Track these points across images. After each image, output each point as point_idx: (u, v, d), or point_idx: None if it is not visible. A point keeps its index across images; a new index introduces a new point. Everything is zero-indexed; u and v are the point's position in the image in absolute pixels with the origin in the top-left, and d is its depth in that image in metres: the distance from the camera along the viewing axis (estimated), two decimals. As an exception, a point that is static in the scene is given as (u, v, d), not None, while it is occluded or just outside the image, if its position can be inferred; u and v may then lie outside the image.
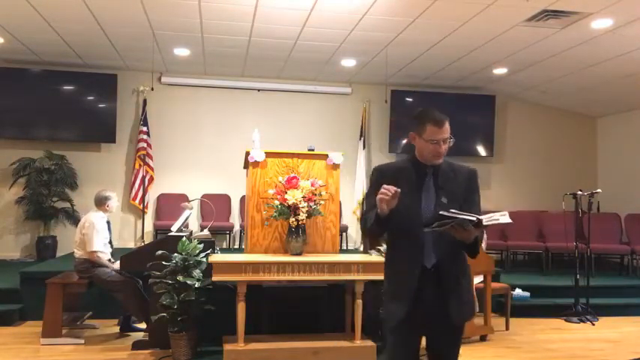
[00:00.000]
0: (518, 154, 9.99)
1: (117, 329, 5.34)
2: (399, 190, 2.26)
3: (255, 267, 4.30)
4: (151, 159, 8.60)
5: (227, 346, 4.34)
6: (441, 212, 2.23)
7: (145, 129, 8.54)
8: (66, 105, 8.42)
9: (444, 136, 2.43)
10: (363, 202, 8.67)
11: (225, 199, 8.76)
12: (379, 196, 2.27)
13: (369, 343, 4.46)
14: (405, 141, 9.45)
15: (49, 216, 8.22)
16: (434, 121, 2.43)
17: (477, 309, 5.56)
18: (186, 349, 4.40)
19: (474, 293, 5.37)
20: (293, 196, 4.51)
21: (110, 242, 5.31)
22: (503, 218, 2.26)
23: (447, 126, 2.44)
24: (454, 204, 2.34)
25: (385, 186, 2.27)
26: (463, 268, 2.48)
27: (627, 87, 8.31)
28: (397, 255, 2.50)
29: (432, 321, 2.42)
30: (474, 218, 2.21)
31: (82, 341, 4.94)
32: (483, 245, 5.79)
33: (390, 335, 2.49)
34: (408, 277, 2.39)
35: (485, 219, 2.24)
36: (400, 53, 7.60)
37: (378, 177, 2.49)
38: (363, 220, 2.51)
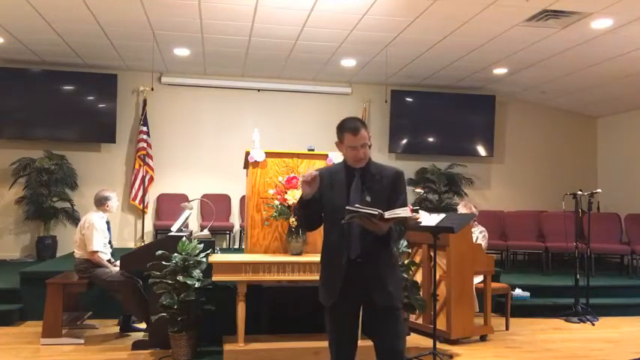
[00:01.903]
0: (518, 154, 10.00)
1: (117, 329, 5.34)
2: (317, 173, 2.70)
3: (255, 267, 4.30)
4: (151, 159, 8.60)
5: (227, 346, 4.34)
6: (347, 207, 2.57)
7: (145, 129, 8.54)
8: (66, 105, 8.42)
9: (360, 142, 2.73)
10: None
11: (225, 199, 8.76)
12: (301, 179, 2.73)
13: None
14: (405, 141, 9.47)
15: (49, 216, 8.22)
16: (350, 129, 2.76)
17: (478, 309, 5.57)
18: (186, 349, 4.40)
19: (477, 300, 5.38)
20: (293, 196, 4.51)
21: (110, 242, 5.31)
22: (404, 212, 2.60)
23: (362, 133, 2.73)
24: (377, 202, 2.64)
25: (307, 172, 2.73)
26: (388, 259, 2.77)
27: (627, 87, 8.31)
28: (328, 246, 2.84)
29: (360, 305, 2.77)
30: (376, 212, 2.53)
31: (82, 341, 4.94)
32: (484, 245, 5.79)
33: (326, 316, 2.83)
34: (336, 267, 2.73)
35: (387, 213, 2.55)
36: (400, 53, 7.60)
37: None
38: (296, 215, 2.97)
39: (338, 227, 2.69)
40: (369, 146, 2.78)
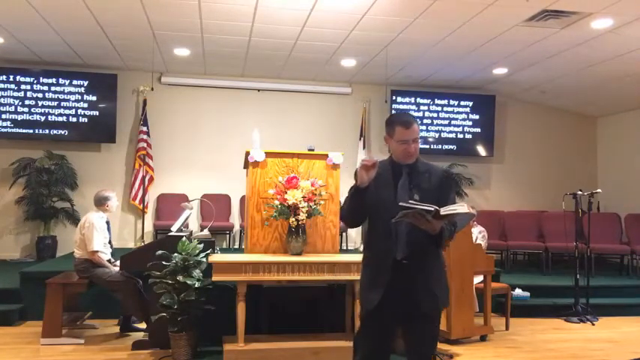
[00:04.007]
0: (518, 154, 10.00)
1: (117, 329, 5.34)
2: (377, 160, 2.54)
3: (255, 267, 4.30)
4: (151, 159, 8.61)
5: (227, 346, 4.34)
6: (400, 203, 2.43)
7: (144, 129, 8.54)
8: (66, 105, 8.43)
9: (412, 137, 2.63)
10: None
11: (225, 199, 8.76)
12: (361, 164, 2.52)
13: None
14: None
15: (49, 216, 8.22)
16: (402, 123, 2.64)
17: (477, 309, 5.57)
18: (186, 349, 4.40)
19: (477, 300, 5.38)
20: (293, 196, 4.51)
21: (110, 242, 5.31)
22: (461, 209, 2.42)
23: (414, 127, 2.64)
24: (426, 201, 2.49)
25: (365, 157, 2.52)
26: (435, 261, 2.67)
27: (627, 87, 8.31)
28: (372, 246, 2.72)
29: (404, 309, 2.59)
30: (432, 208, 2.39)
31: (82, 341, 4.94)
32: (484, 245, 5.78)
33: (365, 320, 2.68)
34: (382, 268, 2.60)
35: (443, 210, 2.40)
36: (400, 53, 7.60)
37: None
38: (342, 205, 2.73)
39: (384, 226, 2.56)
40: (420, 142, 2.69)
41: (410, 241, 2.56)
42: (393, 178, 2.64)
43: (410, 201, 2.44)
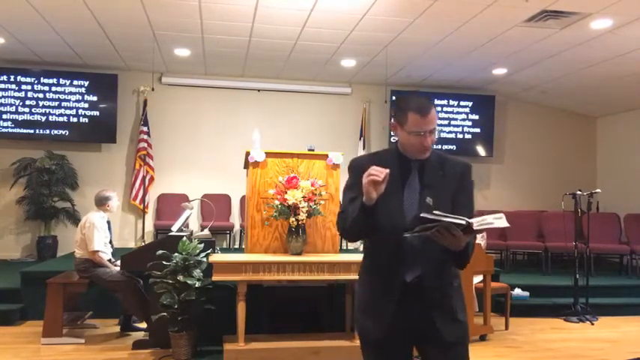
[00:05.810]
0: (518, 154, 10.00)
1: (117, 329, 5.35)
2: (388, 171, 1.92)
3: (255, 267, 4.31)
4: (152, 159, 8.62)
5: (227, 346, 4.35)
6: (422, 215, 1.87)
7: (145, 129, 8.55)
8: (66, 105, 8.45)
9: (429, 127, 2.04)
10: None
11: (225, 199, 8.77)
12: (368, 178, 1.90)
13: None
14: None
15: (49, 216, 8.23)
16: (417, 109, 2.03)
17: (477, 309, 5.58)
18: (186, 349, 4.41)
19: (476, 300, 5.39)
20: (293, 196, 4.52)
21: (111, 242, 5.32)
22: (499, 222, 1.86)
23: (432, 114, 2.04)
24: (441, 205, 2.00)
25: (374, 167, 1.92)
26: (453, 279, 2.15)
27: (627, 87, 8.32)
28: (374, 263, 2.15)
29: (419, 341, 2.11)
30: (463, 221, 1.85)
31: (83, 341, 4.95)
32: (483, 244, 5.79)
33: (366, 353, 2.16)
34: (385, 291, 2.06)
35: (477, 223, 1.87)
36: (400, 53, 7.61)
37: (359, 171, 2.02)
38: (342, 217, 2.13)
39: (389, 238, 2.03)
40: (437, 133, 2.20)
41: (424, 257, 2.04)
42: (401, 176, 2.07)
43: (435, 212, 1.88)
